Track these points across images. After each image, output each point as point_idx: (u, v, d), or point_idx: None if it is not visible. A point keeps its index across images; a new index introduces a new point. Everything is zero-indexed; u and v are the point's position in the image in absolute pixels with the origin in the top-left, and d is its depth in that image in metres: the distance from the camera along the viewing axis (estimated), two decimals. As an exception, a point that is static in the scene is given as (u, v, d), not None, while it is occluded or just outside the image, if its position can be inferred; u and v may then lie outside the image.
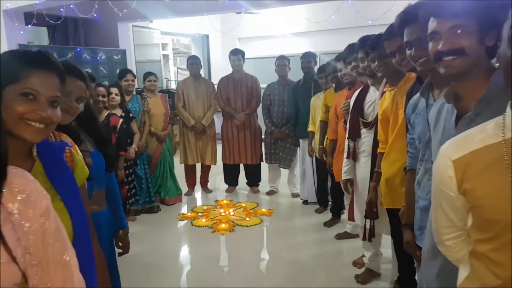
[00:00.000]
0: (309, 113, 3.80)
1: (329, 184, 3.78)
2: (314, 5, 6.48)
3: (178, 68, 9.45)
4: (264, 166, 4.62)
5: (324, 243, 3.32)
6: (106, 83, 5.14)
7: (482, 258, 0.86)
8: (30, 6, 5.03)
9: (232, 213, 3.97)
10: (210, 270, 2.95)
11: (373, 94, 2.39)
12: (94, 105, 2.89)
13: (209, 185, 4.77)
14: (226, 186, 4.74)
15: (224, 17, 7.61)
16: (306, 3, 6.25)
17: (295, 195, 4.44)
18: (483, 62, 1.09)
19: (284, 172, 4.56)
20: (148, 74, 4.26)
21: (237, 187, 4.75)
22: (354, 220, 2.79)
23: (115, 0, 5.25)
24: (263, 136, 4.61)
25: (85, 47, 6.06)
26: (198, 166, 4.67)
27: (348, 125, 2.57)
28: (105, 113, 3.16)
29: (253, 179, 4.67)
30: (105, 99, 3.08)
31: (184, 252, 3.38)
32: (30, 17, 5.26)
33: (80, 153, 1.37)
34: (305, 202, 4.21)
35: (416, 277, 1.93)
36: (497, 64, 1.07)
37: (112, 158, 1.68)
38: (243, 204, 4.22)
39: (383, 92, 2.13)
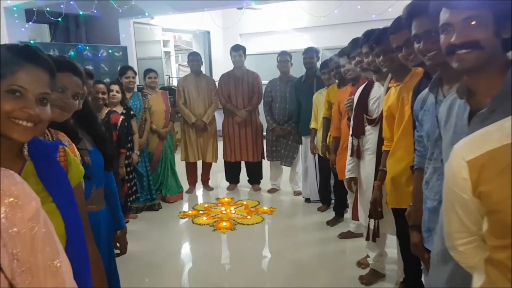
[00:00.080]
0: (312, 110, 3.75)
1: (332, 182, 3.73)
2: (316, 0, 6.41)
3: (179, 65, 9.41)
4: (266, 163, 4.58)
5: (327, 242, 3.27)
6: (107, 80, 5.11)
7: (499, 266, 0.81)
8: (31, 3, 4.99)
9: (233, 211, 3.93)
10: (211, 269, 2.92)
11: (377, 90, 2.33)
12: (93, 103, 2.86)
13: (210, 183, 4.74)
14: (227, 183, 4.70)
15: (225, 13, 7.56)
16: (308, -3, 6.21)
17: (297, 193, 4.39)
18: (498, 55, 1.03)
19: (286, 170, 4.51)
20: (148, 71, 4.22)
21: (238, 184, 4.71)
22: (358, 220, 2.74)
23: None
24: (264, 133, 4.56)
25: (87, 44, 6.02)
26: (199, 164, 4.63)
27: (352, 122, 2.51)
28: (105, 110, 3.13)
29: (255, 177, 4.63)
30: (105, 96, 3.05)
31: (185, 250, 3.34)
32: (32, 15, 5.22)
33: (77, 152, 1.34)
34: (307, 200, 4.16)
35: (422, 279, 1.89)
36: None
37: (111, 157, 1.65)
38: (245, 202, 4.18)
39: (388, 88, 2.08)
